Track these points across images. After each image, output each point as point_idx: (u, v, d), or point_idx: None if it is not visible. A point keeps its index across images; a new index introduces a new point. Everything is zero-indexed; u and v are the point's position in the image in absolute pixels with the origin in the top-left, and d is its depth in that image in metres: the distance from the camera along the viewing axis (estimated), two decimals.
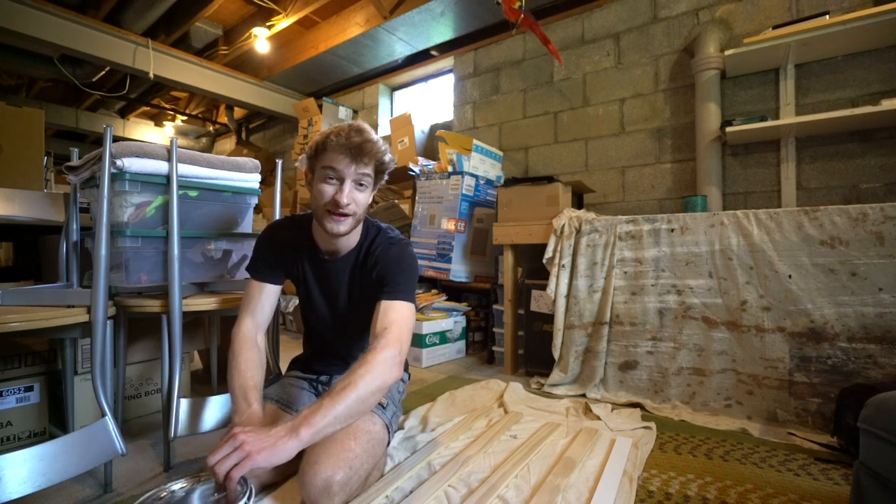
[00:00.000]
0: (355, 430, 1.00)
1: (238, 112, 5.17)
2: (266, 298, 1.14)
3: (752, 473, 1.17)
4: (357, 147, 0.98)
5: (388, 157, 1.06)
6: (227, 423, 1.22)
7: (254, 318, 1.12)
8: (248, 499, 0.73)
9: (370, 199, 1.09)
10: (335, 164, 0.99)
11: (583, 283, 1.92)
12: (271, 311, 1.16)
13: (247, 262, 1.23)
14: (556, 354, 1.95)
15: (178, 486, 0.78)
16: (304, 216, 1.19)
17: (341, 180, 1.00)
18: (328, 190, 1.01)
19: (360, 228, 1.13)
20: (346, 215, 1.01)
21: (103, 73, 4.04)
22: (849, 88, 2.04)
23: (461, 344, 2.61)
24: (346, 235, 1.07)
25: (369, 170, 1.02)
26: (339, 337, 1.23)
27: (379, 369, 0.90)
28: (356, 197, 1.02)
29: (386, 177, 1.10)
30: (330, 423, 0.82)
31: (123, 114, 5.84)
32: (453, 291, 2.79)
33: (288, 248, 1.16)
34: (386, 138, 3.80)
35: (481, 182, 2.64)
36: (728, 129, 2.07)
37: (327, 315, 1.20)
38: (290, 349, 2.10)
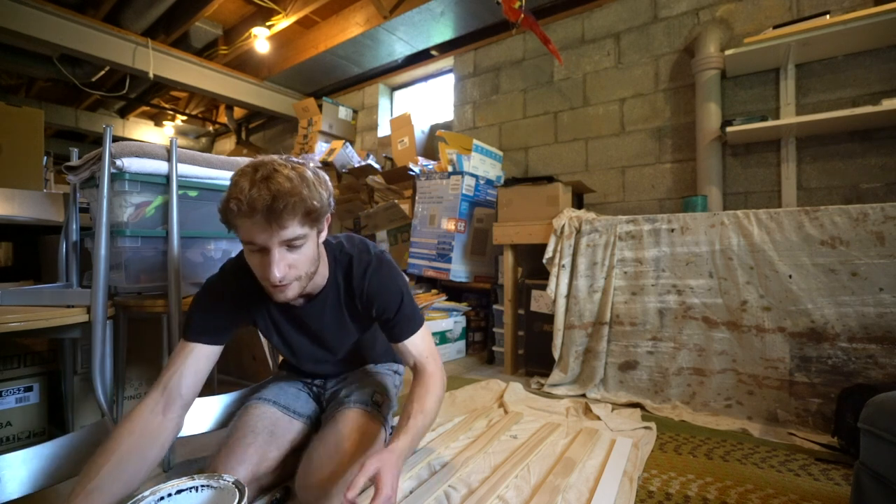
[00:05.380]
0: (351, 431, 1.00)
1: (238, 112, 5.17)
2: (192, 364, 0.89)
3: (752, 474, 1.17)
4: (267, 210, 0.75)
5: (316, 202, 0.80)
6: (226, 423, 1.22)
7: (165, 391, 0.86)
8: (240, 500, 0.73)
9: (318, 244, 0.90)
10: (249, 237, 0.79)
11: (583, 283, 1.92)
12: (198, 382, 0.91)
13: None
14: (556, 354, 1.95)
15: (172, 486, 0.78)
16: None
17: (265, 251, 0.80)
18: (256, 263, 0.83)
19: (324, 262, 0.98)
20: (286, 285, 0.84)
21: (103, 72, 4.04)
22: (849, 88, 2.04)
23: (461, 344, 2.61)
24: (311, 280, 0.92)
25: (295, 230, 0.79)
26: (322, 366, 1.18)
27: (432, 399, 0.97)
28: (293, 261, 0.82)
29: (328, 213, 0.87)
30: (417, 437, 0.92)
31: (123, 114, 5.84)
32: (453, 291, 2.79)
33: (243, 297, 0.95)
34: (386, 138, 3.81)
35: (481, 182, 2.64)
36: (728, 128, 2.07)
37: (306, 354, 1.12)
38: None
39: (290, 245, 0.81)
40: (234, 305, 0.96)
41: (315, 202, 0.80)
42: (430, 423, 0.96)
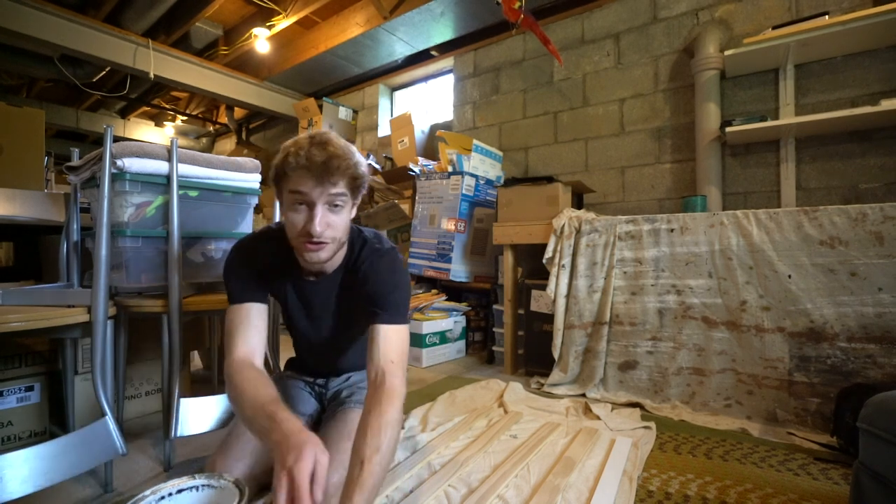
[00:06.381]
0: (349, 432, 0.99)
1: (238, 112, 5.17)
2: (255, 322, 0.97)
3: (751, 473, 1.18)
4: (322, 166, 0.84)
5: (362, 170, 0.91)
6: (226, 423, 1.22)
7: (247, 344, 0.95)
8: (241, 499, 0.73)
9: (351, 216, 0.96)
10: (300, 187, 0.86)
11: (583, 283, 1.92)
12: (264, 336, 0.99)
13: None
14: (555, 354, 1.95)
15: (172, 486, 0.78)
16: (278, 229, 1.03)
17: (311, 205, 0.87)
18: (298, 218, 0.89)
19: (348, 241, 1.03)
20: (323, 243, 0.90)
21: (103, 73, 4.04)
22: (848, 88, 2.04)
23: (461, 344, 2.61)
24: (336, 253, 0.97)
25: (341, 188, 0.88)
26: (327, 355, 1.19)
27: (391, 433, 0.80)
28: (332, 221, 0.89)
29: (364, 189, 0.96)
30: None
31: (124, 114, 5.84)
32: (453, 291, 2.79)
33: (268, 265, 1.01)
34: (386, 138, 3.81)
35: (481, 182, 2.64)
36: (728, 129, 2.07)
37: (313, 337, 1.14)
38: (290, 349, 2.09)
39: (333, 204, 0.89)
40: (261, 272, 1.00)
41: (361, 170, 0.91)
42: (388, 465, 0.80)
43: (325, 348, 1.16)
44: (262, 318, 0.99)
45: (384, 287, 0.97)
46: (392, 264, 1.01)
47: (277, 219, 1.49)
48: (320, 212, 0.87)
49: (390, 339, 0.92)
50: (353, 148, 0.93)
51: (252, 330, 0.96)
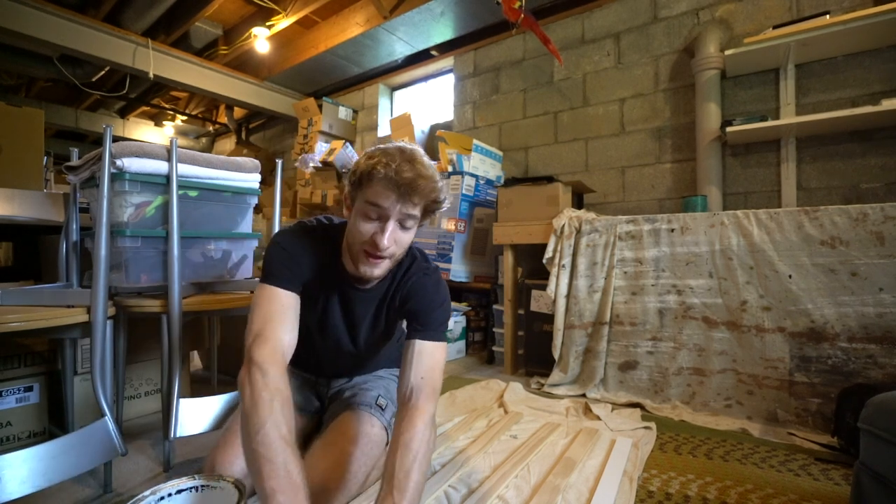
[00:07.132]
0: (353, 433, 1.00)
1: (238, 112, 5.17)
2: (295, 316, 0.91)
3: (752, 473, 1.17)
4: (407, 184, 0.83)
5: (441, 196, 0.89)
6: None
7: (284, 340, 0.86)
8: (240, 499, 0.73)
9: (412, 238, 0.95)
10: (379, 200, 0.84)
11: (583, 283, 1.92)
12: (295, 339, 0.91)
13: (260, 266, 0.96)
14: (556, 354, 1.95)
15: (172, 486, 0.78)
16: (335, 227, 1.01)
17: (384, 219, 0.86)
18: (368, 229, 0.87)
19: None
20: (383, 258, 0.88)
21: (103, 72, 4.04)
22: (849, 88, 2.04)
23: (461, 344, 2.61)
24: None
25: (417, 210, 0.87)
26: (346, 361, 1.16)
27: (426, 447, 0.83)
28: (399, 238, 0.88)
29: (435, 214, 0.94)
30: None
31: (123, 114, 5.84)
32: (453, 291, 2.78)
33: (317, 262, 0.96)
34: (386, 138, 3.81)
35: (481, 182, 2.64)
36: (728, 128, 2.07)
37: (341, 346, 1.09)
38: None
39: (403, 223, 0.88)
40: (309, 265, 0.95)
41: (441, 196, 0.90)
42: (427, 472, 0.85)
43: (348, 355, 1.14)
44: (297, 309, 0.92)
45: (429, 305, 0.98)
46: (437, 283, 1.02)
47: (278, 219, 1.50)
48: (391, 227, 0.86)
49: (425, 356, 0.92)
50: (436, 169, 0.91)
51: (291, 325, 0.89)
